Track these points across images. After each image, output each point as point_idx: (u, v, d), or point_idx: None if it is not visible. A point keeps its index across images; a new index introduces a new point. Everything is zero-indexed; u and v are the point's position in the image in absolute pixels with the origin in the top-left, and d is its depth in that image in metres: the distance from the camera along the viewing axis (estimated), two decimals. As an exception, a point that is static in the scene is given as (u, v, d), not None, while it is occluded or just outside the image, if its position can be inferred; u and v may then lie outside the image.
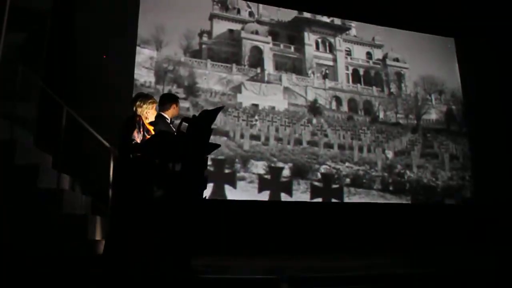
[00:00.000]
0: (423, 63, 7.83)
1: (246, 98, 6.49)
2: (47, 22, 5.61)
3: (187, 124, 3.11)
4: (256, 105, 6.52)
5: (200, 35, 6.51)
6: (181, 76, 6.23)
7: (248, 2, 6.96)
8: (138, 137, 3.10)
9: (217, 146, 3.38)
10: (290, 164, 6.43)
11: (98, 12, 5.83)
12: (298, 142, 6.60)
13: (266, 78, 6.71)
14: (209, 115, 3.13)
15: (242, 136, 6.28)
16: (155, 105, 3.31)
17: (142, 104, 3.25)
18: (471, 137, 7.79)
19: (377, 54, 7.67)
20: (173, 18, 6.32)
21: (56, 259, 3.22)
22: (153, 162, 3.14)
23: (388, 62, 7.68)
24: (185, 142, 3.05)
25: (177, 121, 3.38)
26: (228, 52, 6.63)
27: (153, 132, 3.23)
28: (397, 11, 7.48)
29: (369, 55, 7.60)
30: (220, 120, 6.18)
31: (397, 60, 7.76)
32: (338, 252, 5.34)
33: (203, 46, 6.49)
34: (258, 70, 6.71)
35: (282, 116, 6.61)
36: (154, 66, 6.11)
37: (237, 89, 6.48)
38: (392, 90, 7.56)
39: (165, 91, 5.68)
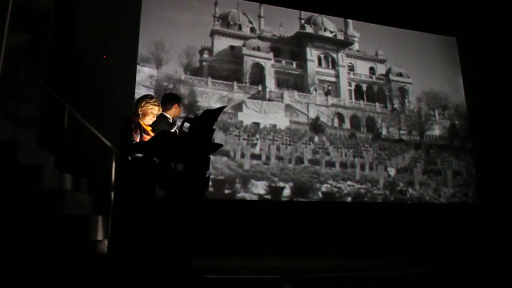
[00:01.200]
0: (426, 77, 7.73)
1: (247, 117, 6.41)
2: (50, 23, 5.65)
3: (189, 124, 3.12)
4: (257, 124, 6.45)
5: (201, 52, 6.43)
6: (182, 94, 6.14)
7: (249, 18, 6.86)
8: (136, 137, 3.14)
9: (219, 145, 3.44)
10: (291, 184, 6.37)
11: (98, 18, 5.83)
12: (300, 160, 6.53)
13: (267, 96, 6.63)
14: (211, 115, 3.13)
15: (242, 156, 6.22)
16: (150, 106, 3.30)
17: (139, 103, 3.30)
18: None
19: (380, 69, 7.57)
20: (174, 35, 6.25)
21: (59, 259, 3.26)
22: (155, 162, 3.16)
23: (392, 77, 7.58)
24: (187, 142, 3.06)
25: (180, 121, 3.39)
26: (229, 69, 6.55)
27: (150, 132, 3.26)
28: (400, 9, 7.43)
29: (372, 70, 7.50)
30: (220, 140, 6.11)
31: (400, 75, 7.66)
32: (340, 252, 5.33)
33: (204, 63, 6.41)
34: (260, 87, 6.63)
35: (283, 135, 6.54)
36: (154, 85, 6.04)
37: (238, 107, 6.40)
38: (395, 106, 7.47)
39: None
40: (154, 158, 3.17)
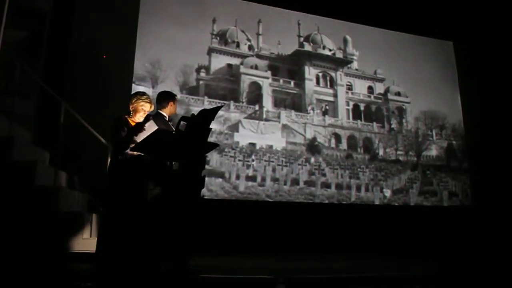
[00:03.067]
0: (425, 96, 7.68)
1: (243, 137, 6.33)
2: (47, 21, 5.62)
3: (185, 123, 3.11)
4: (253, 144, 6.37)
5: (198, 70, 6.33)
6: (177, 114, 6.04)
7: (248, 35, 6.76)
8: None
9: (215, 145, 3.48)
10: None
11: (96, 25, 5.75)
12: (295, 182, 6.47)
13: (264, 116, 6.55)
14: (207, 114, 3.14)
15: (238, 177, 6.15)
16: (141, 102, 3.27)
17: (131, 100, 3.29)
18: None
19: (379, 88, 7.50)
20: (170, 53, 6.14)
21: (52, 256, 3.30)
22: (149, 160, 3.15)
23: (390, 96, 7.52)
24: (184, 141, 3.06)
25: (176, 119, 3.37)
26: (226, 88, 6.46)
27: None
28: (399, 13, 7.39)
29: (370, 89, 7.43)
30: (216, 161, 6.05)
31: (398, 94, 7.60)
32: (335, 253, 5.33)
33: (201, 82, 6.32)
34: (257, 107, 6.55)
35: (279, 156, 6.47)
36: (149, 104, 5.93)
37: (234, 127, 6.32)
38: (392, 125, 7.41)
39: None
40: (146, 156, 3.15)
